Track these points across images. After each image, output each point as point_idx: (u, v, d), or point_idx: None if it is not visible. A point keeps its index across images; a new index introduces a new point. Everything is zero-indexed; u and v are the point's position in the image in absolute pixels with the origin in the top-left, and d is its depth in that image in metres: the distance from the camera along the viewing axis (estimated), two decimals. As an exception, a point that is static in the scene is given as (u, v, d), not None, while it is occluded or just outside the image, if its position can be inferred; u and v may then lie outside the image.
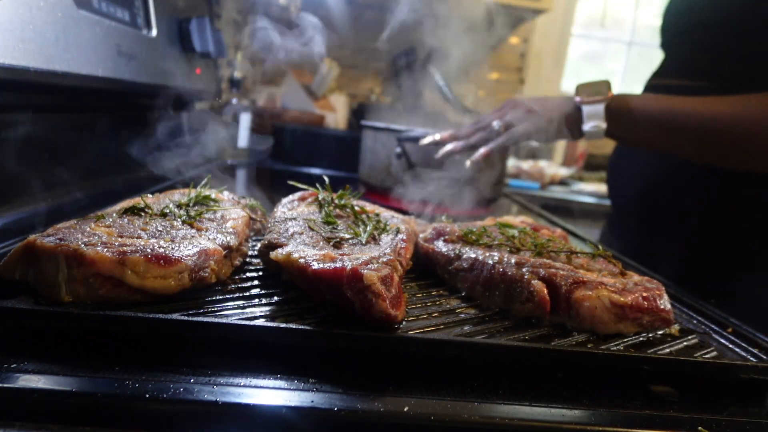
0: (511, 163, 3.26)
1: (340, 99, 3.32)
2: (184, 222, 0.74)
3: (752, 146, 1.03)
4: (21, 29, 0.84)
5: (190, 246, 0.65)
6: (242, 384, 0.50)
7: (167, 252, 0.61)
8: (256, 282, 0.73)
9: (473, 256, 0.77)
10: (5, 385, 0.46)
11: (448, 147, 1.31)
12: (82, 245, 0.58)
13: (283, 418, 0.46)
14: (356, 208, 0.89)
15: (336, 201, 0.91)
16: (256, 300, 0.66)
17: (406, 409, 0.48)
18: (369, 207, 0.94)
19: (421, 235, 0.92)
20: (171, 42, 1.47)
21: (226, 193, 0.97)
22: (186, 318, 0.56)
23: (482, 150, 1.26)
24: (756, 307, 1.07)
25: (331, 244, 0.71)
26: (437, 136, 1.36)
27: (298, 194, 0.97)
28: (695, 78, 1.26)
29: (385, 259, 0.63)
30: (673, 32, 1.38)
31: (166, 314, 0.56)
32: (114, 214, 0.73)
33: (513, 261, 0.73)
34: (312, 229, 0.76)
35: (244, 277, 0.75)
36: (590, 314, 0.65)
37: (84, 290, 0.57)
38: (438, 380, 0.56)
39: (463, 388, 0.55)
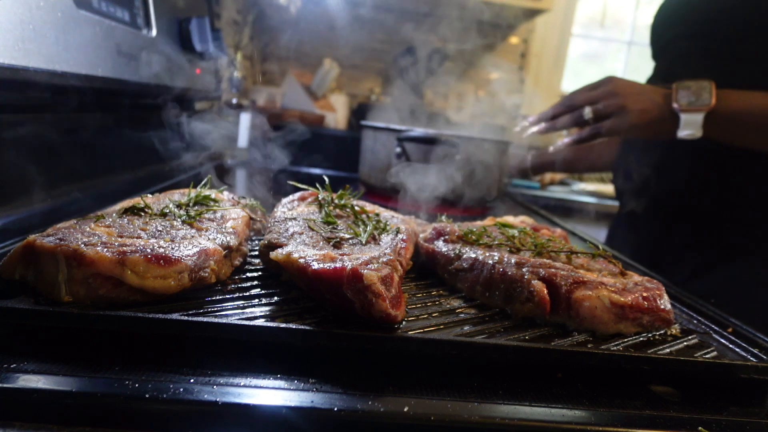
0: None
1: (340, 99, 3.32)
2: (184, 222, 0.74)
3: None
4: (21, 29, 0.84)
5: (190, 246, 0.65)
6: (242, 384, 0.50)
7: (167, 252, 0.61)
8: (256, 282, 0.73)
9: (473, 256, 0.77)
10: (5, 385, 0.46)
11: (533, 128, 1.27)
12: (82, 245, 0.58)
13: (283, 418, 0.46)
14: (356, 208, 0.89)
15: (336, 201, 0.91)
16: (256, 300, 0.66)
17: (406, 409, 0.48)
18: (369, 207, 0.94)
19: (421, 235, 0.92)
20: (171, 42, 1.47)
21: (226, 193, 0.97)
22: (186, 318, 0.56)
23: (566, 140, 1.24)
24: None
25: (331, 244, 0.71)
26: (525, 123, 1.32)
27: (298, 194, 0.97)
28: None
29: (385, 259, 0.63)
30: (661, 43, 1.38)
31: (166, 314, 0.56)
32: (114, 214, 0.73)
33: (513, 261, 0.73)
34: (312, 229, 0.75)
35: (244, 277, 0.75)
36: (590, 314, 0.65)
37: (84, 290, 0.57)
38: (438, 380, 0.56)
39: (463, 388, 0.55)
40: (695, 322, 0.77)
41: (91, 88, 1.08)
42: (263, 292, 0.69)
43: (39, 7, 0.89)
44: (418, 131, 1.50)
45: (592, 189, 3.14)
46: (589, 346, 0.63)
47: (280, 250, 0.66)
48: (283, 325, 0.56)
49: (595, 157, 1.80)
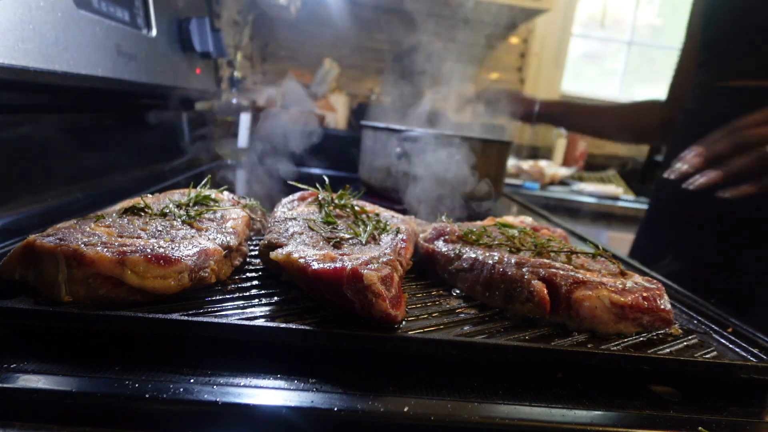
0: (511, 162, 3.27)
1: (340, 99, 3.32)
2: (184, 222, 0.74)
3: None
4: (21, 29, 0.84)
5: (190, 246, 0.65)
6: (242, 384, 0.50)
7: (167, 252, 0.61)
8: (256, 282, 0.73)
9: (473, 256, 0.77)
10: (5, 385, 0.46)
11: (701, 179, 0.98)
12: (82, 245, 0.58)
13: (283, 418, 0.46)
14: (356, 208, 0.89)
15: (336, 201, 0.91)
16: (256, 300, 0.66)
17: (406, 409, 0.48)
18: (369, 207, 0.94)
19: (421, 235, 0.92)
20: (171, 42, 1.47)
21: (226, 193, 0.97)
22: (186, 318, 0.56)
23: (746, 187, 0.95)
24: None
25: (331, 244, 0.71)
26: (684, 166, 1.02)
27: (298, 194, 0.97)
28: None
29: (385, 259, 0.63)
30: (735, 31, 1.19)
31: (166, 314, 0.56)
32: (114, 214, 0.73)
33: (513, 261, 0.73)
34: (312, 229, 0.75)
35: (244, 277, 0.75)
36: (590, 314, 0.65)
37: (84, 290, 0.57)
38: (438, 380, 0.56)
39: (463, 388, 0.55)
40: (695, 322, 0.77)
41: (91, 88, 1.08)
42: (263, 292, 0.69)
43: (39, 7, 0.89)
44: (418, 131, 1.50)
45: (592, 189, 3.15)
46: (589, 346, 0.63)
47: (280, 250, 0.66)
48: (283, 325, 0.56)
49: (603, 123, 1.69)
